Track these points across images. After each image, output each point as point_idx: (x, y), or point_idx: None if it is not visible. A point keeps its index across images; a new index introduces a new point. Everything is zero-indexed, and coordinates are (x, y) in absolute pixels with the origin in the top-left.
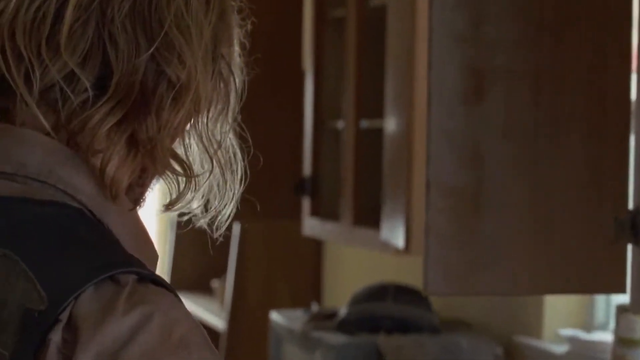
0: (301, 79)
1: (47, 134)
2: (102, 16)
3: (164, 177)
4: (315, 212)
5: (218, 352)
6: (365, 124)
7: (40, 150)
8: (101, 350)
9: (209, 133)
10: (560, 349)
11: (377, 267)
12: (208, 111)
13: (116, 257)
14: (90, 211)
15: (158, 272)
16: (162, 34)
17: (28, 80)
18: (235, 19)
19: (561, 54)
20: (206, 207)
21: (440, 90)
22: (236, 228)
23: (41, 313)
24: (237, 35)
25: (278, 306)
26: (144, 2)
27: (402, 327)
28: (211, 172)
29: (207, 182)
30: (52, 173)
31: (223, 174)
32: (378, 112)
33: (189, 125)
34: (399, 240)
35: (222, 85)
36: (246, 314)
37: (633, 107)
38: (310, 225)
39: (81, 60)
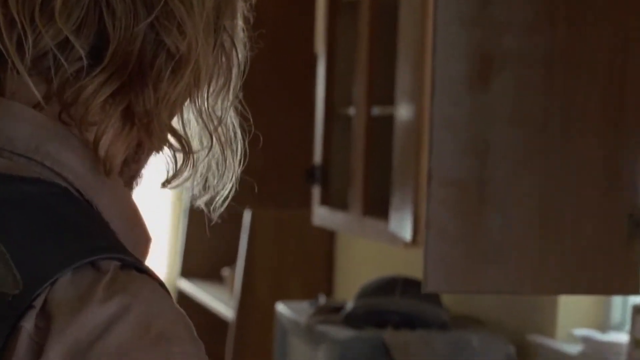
0: (313, 65)
1: (38, 104)
2: None
3: (160, 153)
4: (325, 201)
5: (203, 346)
6: (376, 111)
7: (29, 125)
8: (74, 341)
9: (209, 109)
10: (574, 349)
11: (388, 259)
12: (209, 85)
13: (99, 242)
14: (78, 191)
15: (169, 259)
16: (162, 2)
17: (20, 47)
18: None
19: (576, 36)
20: (205, 187)
21: (444, 76)
22: (247, 216)
23: (15, 298)
24: (241, 8)
25: (288, 297)
26: None
27: (410, 322)
28: (210, 148)
29: (206, 160)
30: (40, 149)
31: (223, 152)
32: (390, 99)
33: (188, 101)
34: (407, 233)
35: (223, 58)
36: (255, 304)
37: None
38: (320, 215)
39: (76, 27)
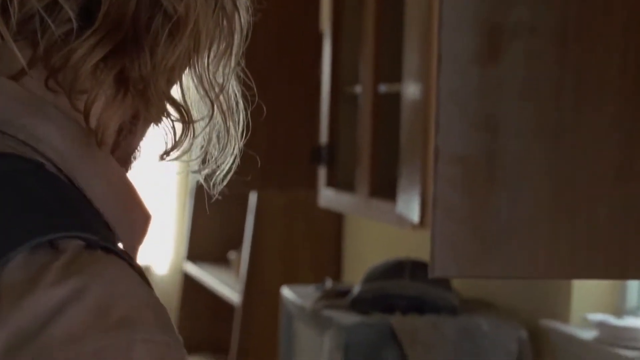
0: (318, 42)
1: (22, 71)
2: None
3: (158, 124)
4: (332, 182)
5: (177, 336)
6: (383, 88)
7: (4, 97)
8: (19, 328)
9: (210, 75)
10: (589, 334)
11: (396, 241)
12: (209, 50)
13: (64, 219)
14: (58, 167)
15: (175, 243)
16: None
17: (5, 11)
18: None
19: (591, 5)
20: (205, 160)
21: (451, 49)
22: (253, 198)
23: None
24: None
25: (296, 280)
26: None
27: (419, 306)
28: (211, 117)
29: (207, 130)
30: (14, 122)
31: (225, 121)
32: (397, 76)
33: (187, 67)
34: (414, 215)
35: (225, 22)
36: (262, 288)
37: None
38: (326, 196)
39: None
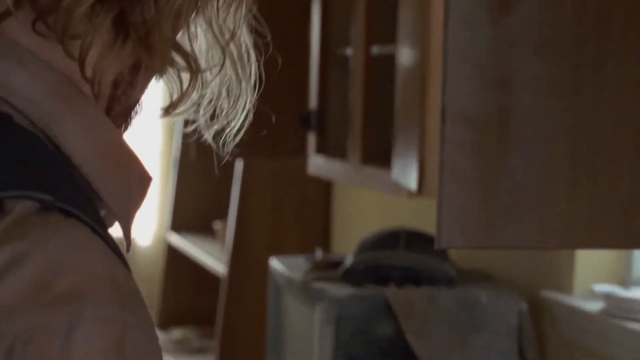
0: (307, 1)
1: (7, 11)
2: None
3: (162, 74)
4: (322, 149)
5: (143, 316)
6: (376, 50)
7: None
8: None
9: (220, 20)
10: (594, 306)
11: (390, 210)
12: None
13: (17, 177)
14: (32, 120)
15: (159, 213)
16: None
17: None
18: None
19: None
20: (213, 116)
21: (459, 1)
22: (238, 166)
23: None
24: None
25: (283, 251)
26: None
27: (414, 278)
28: (222, 66)
29: (216, 82)
30: None
31: (236, 71)
32: (391, 37)
33: (195, 12)
34: (411, 181)
35: None
36: (248, 259)
37: None
38: (316, 164)
39: None
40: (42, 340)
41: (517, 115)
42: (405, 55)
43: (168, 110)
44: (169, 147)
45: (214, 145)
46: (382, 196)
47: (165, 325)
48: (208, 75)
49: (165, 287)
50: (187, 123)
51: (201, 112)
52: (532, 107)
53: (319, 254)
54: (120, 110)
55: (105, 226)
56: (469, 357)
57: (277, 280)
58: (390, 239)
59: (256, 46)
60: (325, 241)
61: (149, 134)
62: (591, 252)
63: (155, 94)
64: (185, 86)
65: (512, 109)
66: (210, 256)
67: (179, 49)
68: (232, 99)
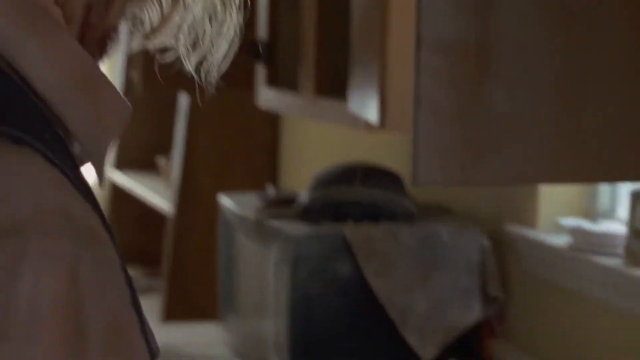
0: None
1: None
2: None
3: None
4: (272, 81)
5: (103, 252)
6: None
7: None
8: None
9: None
10: (561, 240)
11: (342, 145)
12: None
13: None
14: None
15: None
16: None
17: None
18: None
19: None
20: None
21: None
22: (184, 99)
23: None
24: None
25: (232, 187)
26: None
27: (373, 214)
28: None
29: (200, 6)
30: None
31: None
32: None
33: None
34: (372, 113)
35: None
36: (195, 196)
37: None
38: (266, 96)
39: None
40: None
41: (499, 42)
42: None
43: (148, 36)
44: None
45: (196, 77)
46: (333, 130)
47: None
48: None
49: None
50: (165, 51)
51: (182, 40)
52: (514, 34)
53: (270, 190)
54: (94, 37)
55: (75, 163)
56: (430, 295)
57: (228, 218)
58: (346, 175)
59: None
60: (273, 177)
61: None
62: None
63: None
64: (165, 8)
65: (493, 35)
66: (156, 194)
67: None
68: (216, 24)
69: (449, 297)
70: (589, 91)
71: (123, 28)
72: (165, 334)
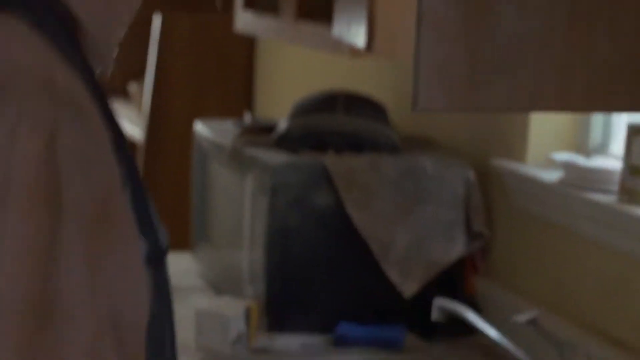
0: None
1: None
2: None
3: None
4: (250, 3)
5: (83, 115)
6: None
7: None
8: None
9: None
10: (552, 175)
11: (324, 72)
12: None
13: None
14: None
15: None
16: None
17: None
18: None
19: None
20: None
21: None
22: (157, 22)
23: None
24: None
25: (206, 114)
26: None
27: (354, 144)
28: None
29: None
30: None
31: None
32: None
33: None
34: (358, 37)
35: None
36: (168, 123)
37: None
38: (244, 20)
39: None
40: None
41: None
42: None
43: None
44: None
45: None
46: (313, 56)
47: None
48: None
49: None
50: None
51: None
52: None
53: (248, 117)
54: None
55: (84, 59)
56: (412, 229)
57: (203, 146)
58: (328, 103)
59: None
60: (249, 104)
61: None
62: (545, 118)
63: None
64: None
65: None
66: (127, 120)
67: None
68: None
69: (432, 231)
70: (603, 14)
71: None
72: None
